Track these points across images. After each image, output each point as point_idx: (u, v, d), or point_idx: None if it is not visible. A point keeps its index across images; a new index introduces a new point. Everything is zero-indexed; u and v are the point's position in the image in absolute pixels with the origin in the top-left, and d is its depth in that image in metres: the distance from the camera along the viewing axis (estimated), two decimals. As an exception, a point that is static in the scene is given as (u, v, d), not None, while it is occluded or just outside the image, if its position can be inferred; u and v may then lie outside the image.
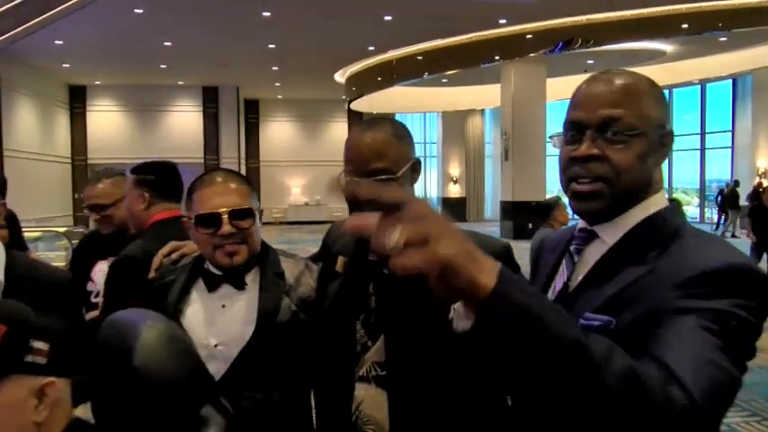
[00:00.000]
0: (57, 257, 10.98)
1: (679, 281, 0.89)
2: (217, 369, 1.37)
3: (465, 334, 0.72)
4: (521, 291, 0.69)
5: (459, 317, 0.75)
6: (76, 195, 20.04)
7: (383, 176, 1.28)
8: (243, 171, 21.85)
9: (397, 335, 1.32)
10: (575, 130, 1.02)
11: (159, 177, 2.11)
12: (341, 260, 1.42)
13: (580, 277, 1.06)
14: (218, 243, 1.37)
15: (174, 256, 1.52)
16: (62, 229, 11.97)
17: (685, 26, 12.76)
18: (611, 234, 1.04)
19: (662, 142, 1.03)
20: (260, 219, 1.46)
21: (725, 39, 14.78)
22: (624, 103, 0.99)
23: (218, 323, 1.40)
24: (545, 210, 4.44)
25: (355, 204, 1.35)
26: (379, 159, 1.29)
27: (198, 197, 1.42)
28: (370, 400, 1.34)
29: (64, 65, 16.71)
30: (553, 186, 26.32)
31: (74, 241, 11.14)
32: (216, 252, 1.38)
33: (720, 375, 0.80)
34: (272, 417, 1.39)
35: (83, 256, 2.51)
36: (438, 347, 1.24)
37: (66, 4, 11.06)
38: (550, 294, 1.12)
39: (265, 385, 1.38)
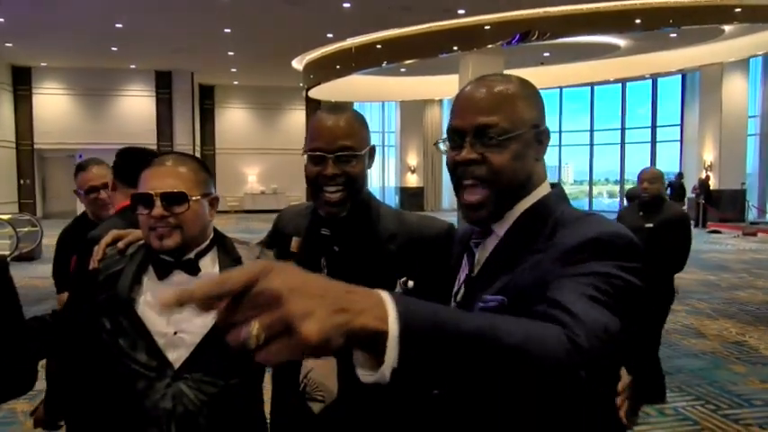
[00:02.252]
0: (1, 245, 10.57)
1: (560, 254, 0.96)
2: (177, 357, 1.36)
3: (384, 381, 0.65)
4: (420, 310, 0.65)
5: (362, 370, 0.68)
6: (22, 182, 19.29)
7: (348, 153, 1.38)
8: (198, 158, 21.42)
9: None
10: (456, 136, 1.09)
11: (121, 161, 2.13)
12: (295, 240, 1.48)
13: (479, 268, 1.13)
14: (152, 225, 1.36)
15: (120, 245, 1.47)
16: (6, 217, 11.51)
17: (638, 21, 13.07)
18: (503, 227, 1.11)
19: (539, 140, 1.11)
20: (212, 206, 1.45)
21: (675, 35, 15.22)
22: (498, 109, 1.06)
23: (176, 310, 1.36)
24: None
25: (316, 184, 1.39)
26: (347, 138, 1.38)
27: (142, 177, 1.41)
28: (320, 368, 1.39)
29: (6, 44, 15.99)
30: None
31: (19, 229, 10.74)
32: (150, 234, 1.38)
33: (609, 316, 0.85)
34: (232, 401, 1.39)
35: (70, 239, 2.53)
36: None
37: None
38: (456, 286, 1.18)
39: (226, 371, 1.38)
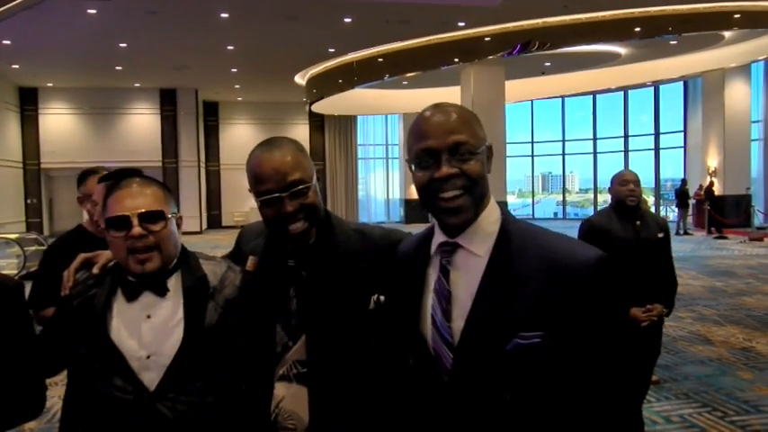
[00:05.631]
0: (8, 265, 10.63)
1: (570, 286, 1.11)
2: (151, 379, 1.37)
3: None
4: None
5: None
6: (29, 201, 19.43)
7: (302, 187, 1.37)
8: (203, 174, 21.51)
9: (319, 333, 1.42)
10: (429, 156, 1.18)
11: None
12: (251, 260, 1.49)
13: (465, 291, 1.18)
14: (131, 246, 1.36)
15: (95, 270, 1.46)
16: (13, 236, 11.59)
17: (638, 30, 13.12)
18: (476, 244, 1.20)
19: (488, 156, 1.23)
20: (178, 225, 1.46)
21: (675, 42, 15.26)
22: (464, 129, 1.19)
23: (146, 334, 1.38)
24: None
25: (277, 224, 1.40)
26: (295, 171, 1.38)
27: (110, 201, 1.40)
28: (291, 397, 1.41)
29: (13, 66, 16.18)
30: (514, 187, 26.77)
31: (26, 248, 10.81)
32: (129, 258, 1.37)
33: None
34: (210, 419, 1.40)
35: (62, 252, 2.31)
36: (357, 342, 1.38)
37: (12, 4, 10.69)
38: (431, 304, 1.21)
39: (201, 389, 1.39)
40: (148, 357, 1.37)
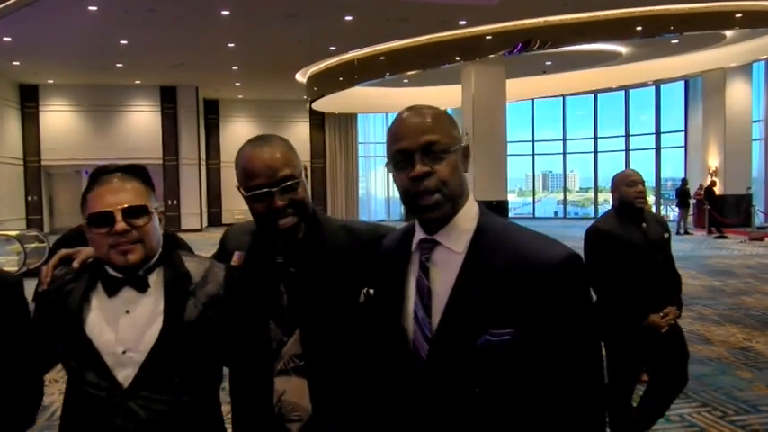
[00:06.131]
0: (8, 262, 10.63)
1: (535, 278, 1.13)
2: (125, 376, 1.34)
3: None
4: None
5: None
6: (29, 198, 19.44)
7: (291, 182, 1.41)
8: (203, 172, 21.52)
9: (312, 326, 1.44)
10: (403, 157, 1.21)
11: None
12: (237, 254, 1.51)
13: (443, 286, 1.21)
14: (113, 242, 1.34)
15: (74, 264, 1.44)
16: (13, 233, 11.60)
17: (639, 29, 13.11)
18: (453, 241, 1.23)
19: (464, 155, 1.26)
20: (160, 220, 1.44)
21: (676, 42, 15.25)
22: (436, 129, 1.21)
23: (124, 329, 1.36)
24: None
25: (267, 218, 1.42)
26: (286, 167, 1.42)
27: (91, 197, 1.38)
28: (292, 389, 1.44)
29: (14, 62, 16.17)
30: (514, 185, 26.79)
31: (26, 245, 10.81)
32: (111, 252, 1.35)
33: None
34: (185, 418, 1.38)
35: (70, 247, 2.34)
36: (350, 332, 1.41)
37: (12, 1, 10.68)
38: (413, 300, 1.24)
39: (176, 387, 1.37)
40: (124, 353, 1.35)
